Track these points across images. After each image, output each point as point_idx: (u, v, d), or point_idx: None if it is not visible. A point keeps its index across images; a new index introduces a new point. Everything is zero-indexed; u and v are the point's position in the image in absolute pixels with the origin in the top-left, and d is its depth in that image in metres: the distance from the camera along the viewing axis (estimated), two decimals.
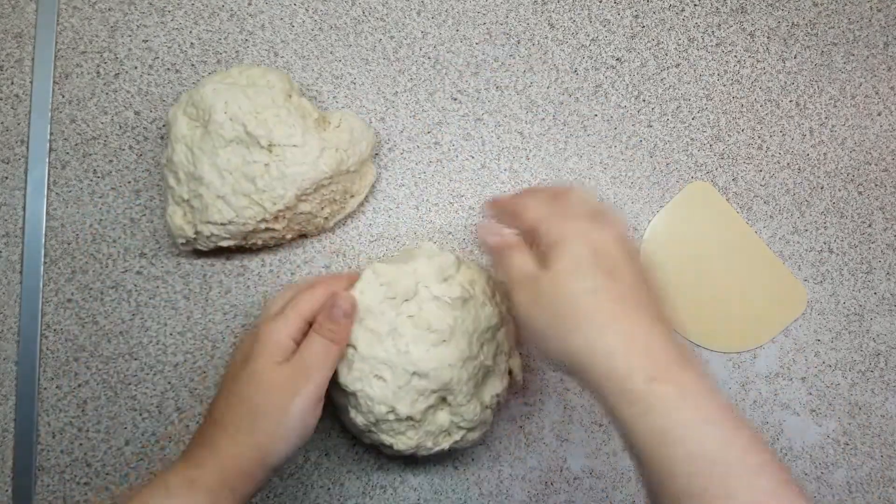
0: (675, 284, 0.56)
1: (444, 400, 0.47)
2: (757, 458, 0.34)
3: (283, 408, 0.42)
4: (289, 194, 0.49)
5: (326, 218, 0.53)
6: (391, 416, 0.46)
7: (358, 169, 0.53)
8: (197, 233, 0.50)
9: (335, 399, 0.50)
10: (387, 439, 0.47)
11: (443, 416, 0.48)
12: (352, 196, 0.54)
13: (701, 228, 0.57)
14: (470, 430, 0.49)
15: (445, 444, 0.49)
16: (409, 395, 0.46)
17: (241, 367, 0.44)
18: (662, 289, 0.40)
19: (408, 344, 0.46)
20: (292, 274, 0.55)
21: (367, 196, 0.55)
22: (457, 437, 0.49)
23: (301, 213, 0.51)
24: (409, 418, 0.46)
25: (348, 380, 0.46)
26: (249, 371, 0.43)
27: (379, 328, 0.46)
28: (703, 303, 0.57)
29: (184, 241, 0.51)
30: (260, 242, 0.52)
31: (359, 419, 0.47)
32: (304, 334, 0.45)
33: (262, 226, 0.50)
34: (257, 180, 0.49)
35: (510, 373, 0.51)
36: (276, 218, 0.50)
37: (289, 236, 0.53)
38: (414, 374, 0.46)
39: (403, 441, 0.47)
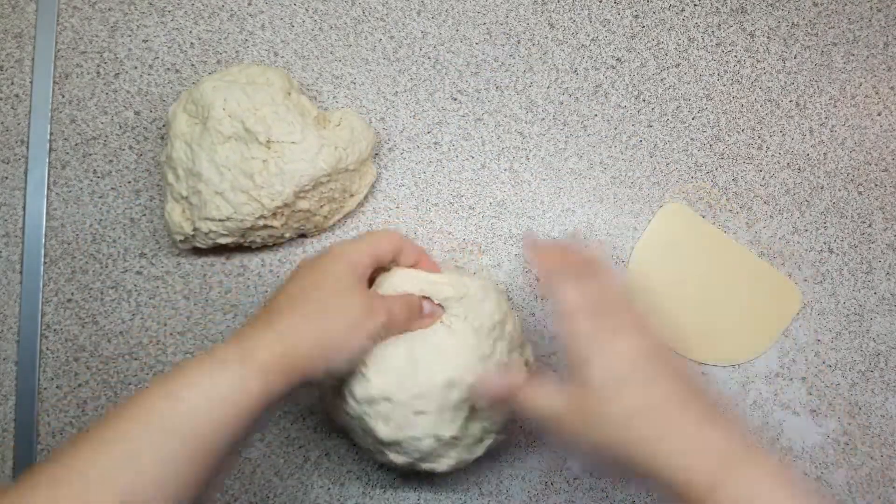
0: (670, 308, 0.56)
1: (472, 408, 0.46)
2: None
3: (353, 325, 0.41)
4: (287, 191, 0.49)
5: (325, 217, 0.53)
6: (436, 444, 0.45)
7: (357, 168, 0.53)
8: (195, 229, 0.50)
9: (368, 447, 0.48)
10: (430, 466, 0.47)
11: (474, 426, 0.47)
12: (351, 195, 0.54)
13: (684, 249, 0.57)
14: (498, 432, 0.49)
15: (480, 451, 0.48)
16: (448, 415, 0.45)
17: (311, 270, 0.42)
18: (693, 377, 0.38)
19: (430, 363, 0.44)
20: None
21: (366, 196, 0.55)
22: (489, 441, 0.48)
23: (300, 211, 0.51)
24: (454, 438, 0.45)
25: (389, 432, 0.45)
26: (327, 270, 0.42)
27: (396, 363, 0.44)
28: (701, 322, 0.57)
29: (182, 237, 0.51)
30: (259, 241, 0.52)
31: (400, 459, 0.46)
32: (369, 276, 0.44)
33: (261, 223, 0.50)
34: (255, 177, 0.49)
35: (526, 363, 0.50)
36: (274, 215, 0.50)
37: (287, 235, 0.53)
38: (446, 386, 0.44)
39: (445, 462, 0.47)
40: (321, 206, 0.52)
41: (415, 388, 0.44)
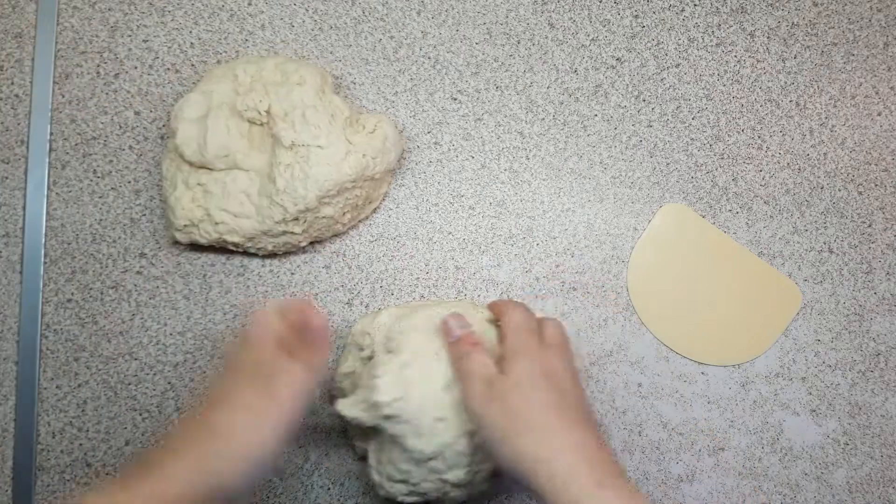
0: (670, 309, 0.56)
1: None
2: None
3: (243, 431, 0.40)
4: (310, 195, 0.48)
5: (344, 224, 0.52)
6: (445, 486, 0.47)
7: (383, 177, 0.52)
8: (207, 216, 0.49)
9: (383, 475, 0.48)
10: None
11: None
12: (370, 202, 0.53)
13: (684, 249, 0.57)
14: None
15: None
16: (460, 461, 0.45)
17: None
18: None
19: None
20: (292, 274, 0.55)
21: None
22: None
23: (322, 218, 0.50)
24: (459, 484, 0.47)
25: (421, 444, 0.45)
26: (214, 384, 0.43)
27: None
28: (701, 322, 0.57)
29: (186, 223, 0.50)
30: (270, 247, 0.51)
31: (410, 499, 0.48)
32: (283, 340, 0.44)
33: (280, 228, 0.49)
34: (278, 180, 0.48)
35: None
36: (296, 219, 0.49)
37: (303, 243, 0.52)
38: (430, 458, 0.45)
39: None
40: (343, 214, 0.51)
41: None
